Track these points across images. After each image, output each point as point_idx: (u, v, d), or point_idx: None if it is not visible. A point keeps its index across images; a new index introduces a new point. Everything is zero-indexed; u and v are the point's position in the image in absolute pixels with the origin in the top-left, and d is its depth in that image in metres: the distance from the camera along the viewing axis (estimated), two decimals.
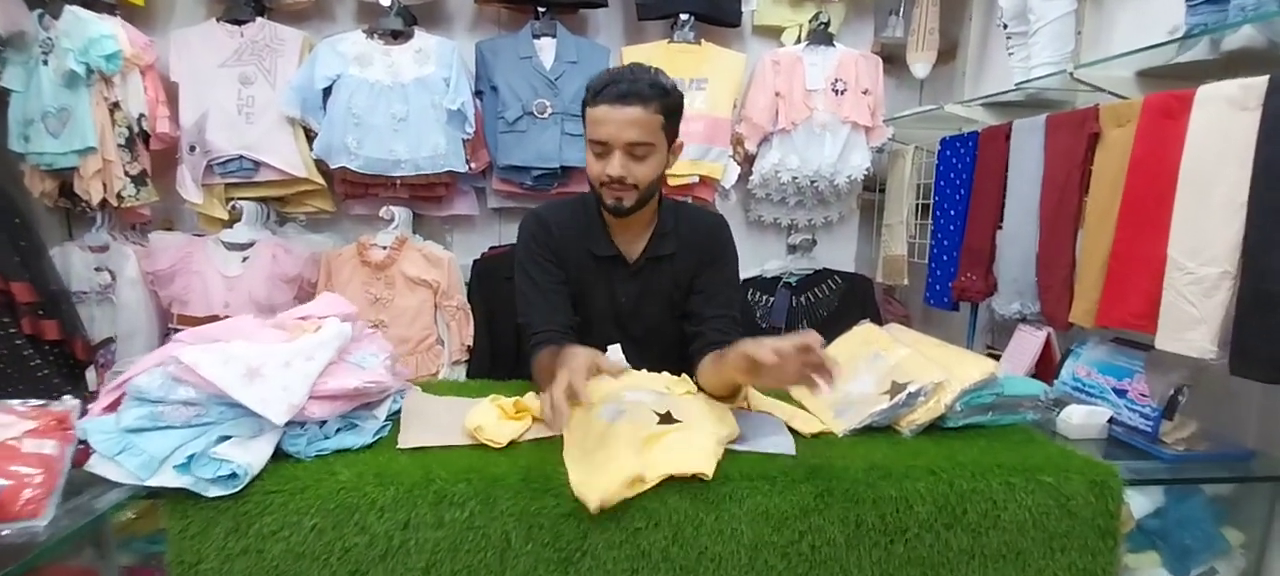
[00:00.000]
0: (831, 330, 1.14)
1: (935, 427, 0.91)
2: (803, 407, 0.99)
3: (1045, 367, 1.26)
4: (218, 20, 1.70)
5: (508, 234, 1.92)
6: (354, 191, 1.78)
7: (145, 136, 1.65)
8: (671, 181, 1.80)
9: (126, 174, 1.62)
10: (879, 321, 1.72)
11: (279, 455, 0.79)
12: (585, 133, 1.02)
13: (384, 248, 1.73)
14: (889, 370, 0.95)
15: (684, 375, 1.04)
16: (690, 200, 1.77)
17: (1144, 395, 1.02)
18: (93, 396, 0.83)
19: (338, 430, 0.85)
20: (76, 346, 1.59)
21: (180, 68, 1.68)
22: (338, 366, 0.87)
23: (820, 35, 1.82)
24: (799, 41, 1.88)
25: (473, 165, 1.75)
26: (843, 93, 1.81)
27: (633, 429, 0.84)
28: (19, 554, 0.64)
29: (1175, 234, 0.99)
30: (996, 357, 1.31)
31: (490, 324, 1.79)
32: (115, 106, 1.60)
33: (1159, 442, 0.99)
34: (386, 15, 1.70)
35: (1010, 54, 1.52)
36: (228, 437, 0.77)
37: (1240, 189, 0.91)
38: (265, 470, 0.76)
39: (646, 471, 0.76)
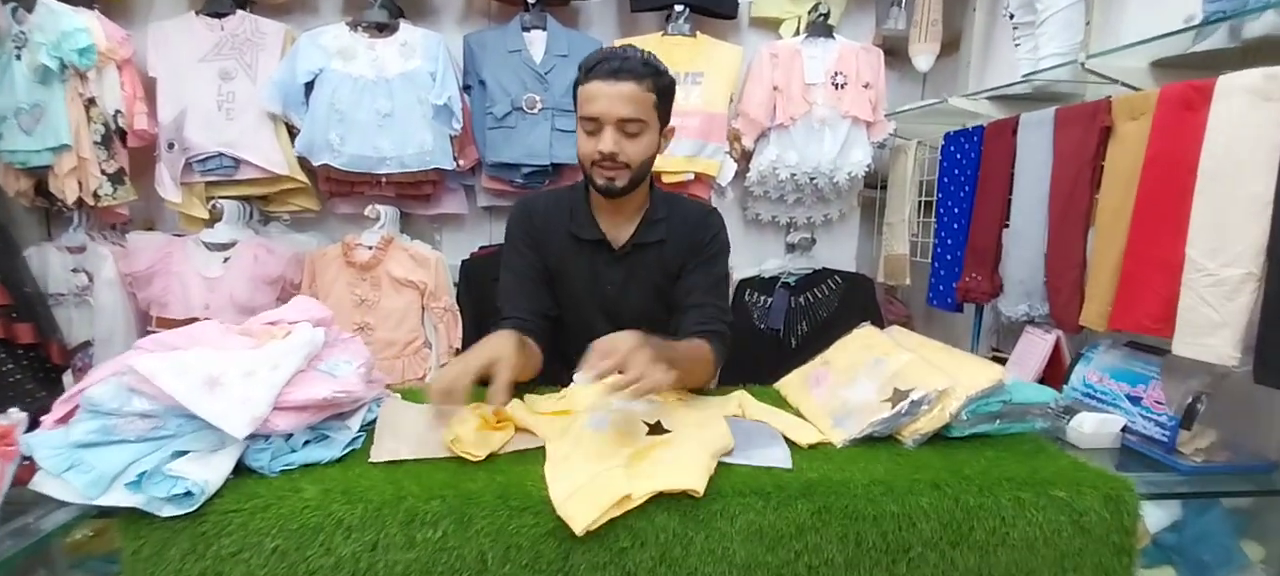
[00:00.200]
0: (831, 332, 1.11)
1: (939, 437, 0.87)
2: (800, 414, 0.95)
3: (1054, 372, 1.21)
4: (197, 13, 1.65)
5: (498, 233, 1.88)
6: (339, 190, 1.74)
7: (122, 133, 1.61)
8: (666, 178, 1.76)
9: (103, 172, 1.58)
10: (880, 323, 1.69)
11: (242, 470, 0.75)
12: (577, 114, 1.01)
13: (370, 248, 1.68)
14: (890, 376, 0.91)
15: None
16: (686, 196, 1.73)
17: (1160, 403, 0.97)
18: None
19: (306, 442, 0.80)
20: (52, 350, 1.55)
21: (158, 62, 1.64)
22: (306, 375, 0.83)
23: (819, 27, 1.78)
24: (798, 33, 1.83)
25: (461, 162, 1.71)
26: (843, 86, 1.76)
27: (620, 441, 0.80)
28: None
29: (1194, 233, 0.94)
30: (1002, 361, 1.27)
31: (479, 326, 1.74)
32: (91, 103, 1.55)
33: (1176, 453, 0.94)
34: (371, 7, 1.65)
35: (1017, 45, 1.47)
36: (185, 453, 0.73)
37: (1265, 185, 0.86)
38: (225, 487, 0.72)
39: (634, 489, 0.72)
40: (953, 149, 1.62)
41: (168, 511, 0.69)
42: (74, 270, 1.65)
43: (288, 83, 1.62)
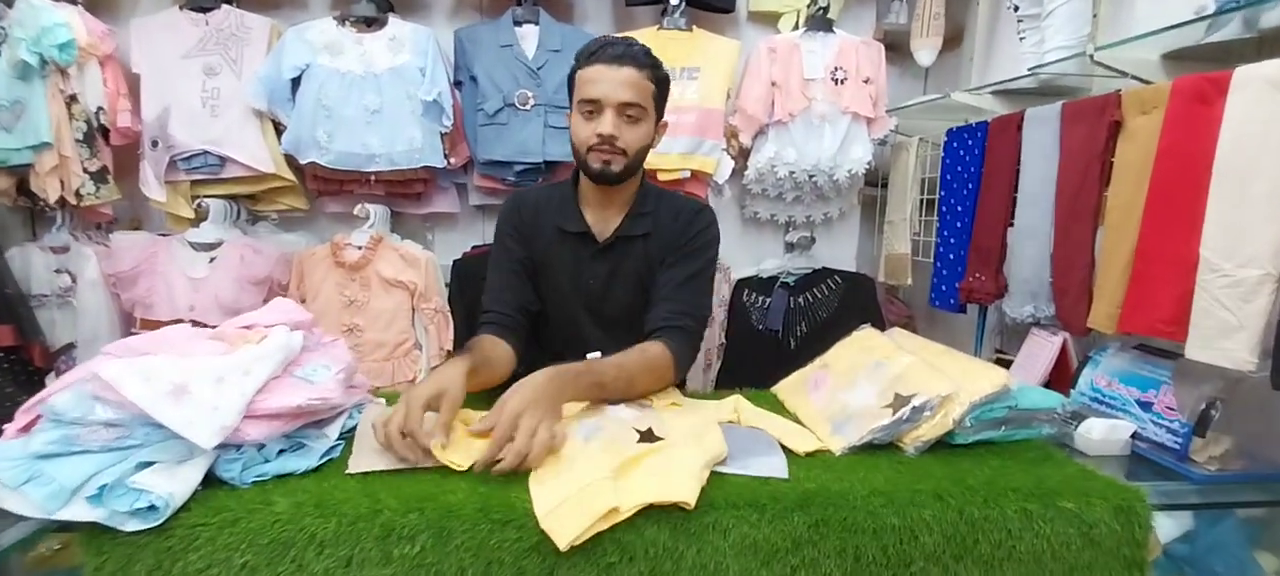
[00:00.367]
0: (831, 333, 1.08)
1: (942, 445, 0.84)
2: (797, 420, 0.92)
3: (1060, 376, 1.18)
4: (181, 7, 1.62)
5: (491, 232, 1.82)
6: (327, 188, 1.70)
7: (105, 131, 1.58)
8: (662, 176, 1.73)
9: (85, 171, 1.54)
10: (881, 324, 1.66)
11: (213, 481, 0.72)
12: (573, 98, 0.99)
13: (359, 247, 1.65)
14: (891, 380, 0.88)
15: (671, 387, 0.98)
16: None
17: (1171, 408, 0.94)
18: None
19: (280, 452, 0.77)
20: (34, 353, 1.53)
21: (142, 58, 1.60)
22: (281, 381, 0.79)
23: (819, 21, 1.74)
24: (796, 28, 1.80)
25: (452, 160, 1.68)
26: (843, 82, 1.73)
27: (609, 450, 0.77)
28: None
29: (1209, 231, 0.91)
30: (1006, 365, 1.24)
31: (471, 327, 1.70)
32: (72, 99, 1.52)
33: (1189, 461, 0.91)
34: (359, 1, 1.62)
35: (1021, 38, 1.43)
36: (151, 464, 0.69)
37: None
38: (194, 499, 0.69)
39: (623, 501, 0.69)
40: (955, 145, 1.59)
41: (131, 526, 0.66)
42: (57, 271, 1.62)
43: (273, 78, 1.58)
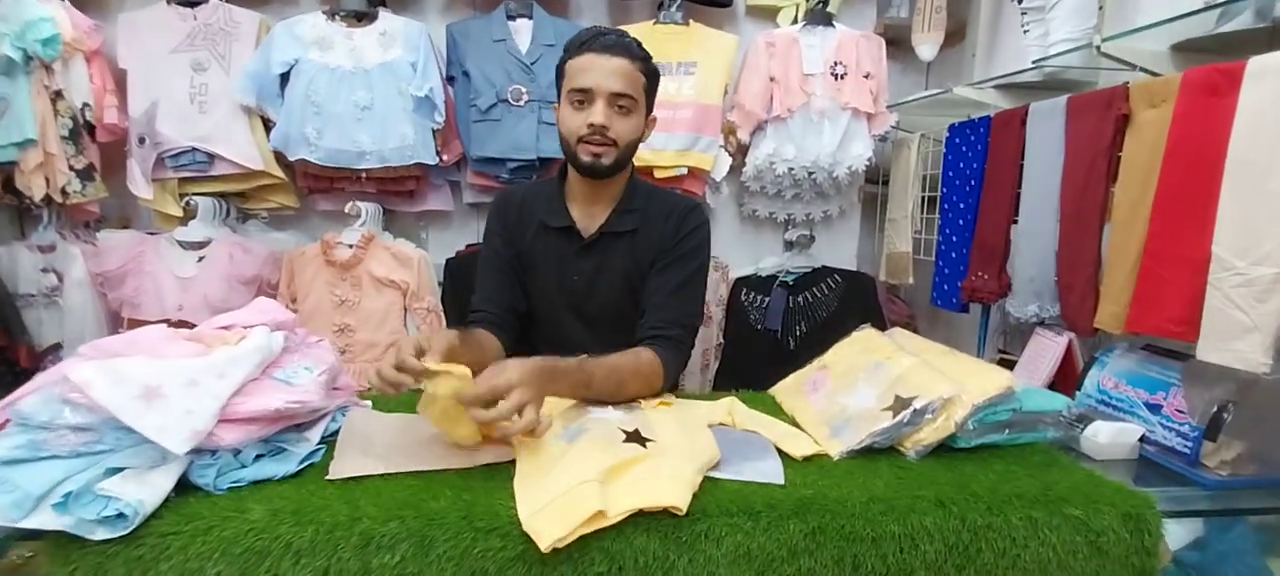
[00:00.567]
0: (830, 333, 1.06)
1: (944, 449, 0.81)
2: (795, 422, 0.90)
3: (1066, 377, 1.16)
4: (169, 2, 1.59)
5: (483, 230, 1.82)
6: (318, 186, 1.68)
7: (91, 128, 1.55)
8: (658, 173, 1.70)
9: (71, 168, 1.52)
10: (882, 324, 1.63)
11: (187, 488, 0.69)
12: (562, 89, 0.98)
13: (350, 246, 1.62)
14: (892, 382, 0.86)
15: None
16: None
17: (1181, 411, 0.91)
18: None
19: (258, 457, 0.74)
20: (20, 353, 1.50)
21: (128, 54, 1.58)
22: (259, 383, 0.77)
23: (818, 15, 1.71)
24: (795, 22, 1.77)
25: (444, 157, 1.65)
26: (843, 77, 1.70)
27: (595, 452, 0.74)
28: None
29: (1221, 229, 0.89)
30: (1010, 364, 1.22)
31: (463, 327, 1.68)
32: (58, 95, 1.50)
33: (1199, 466, 0.88)
34: None
35: (1025, 31, 1.41)
36: (121, 469, 0.67)
37: None
38: (166, 507, 0.66)
39: (610, 505, 0.66)
40: (958, 141, 1.57)
41: (99, 534, 0.63)
42: (44, 270, 1.60)
43: (262, 74, 1.56)
